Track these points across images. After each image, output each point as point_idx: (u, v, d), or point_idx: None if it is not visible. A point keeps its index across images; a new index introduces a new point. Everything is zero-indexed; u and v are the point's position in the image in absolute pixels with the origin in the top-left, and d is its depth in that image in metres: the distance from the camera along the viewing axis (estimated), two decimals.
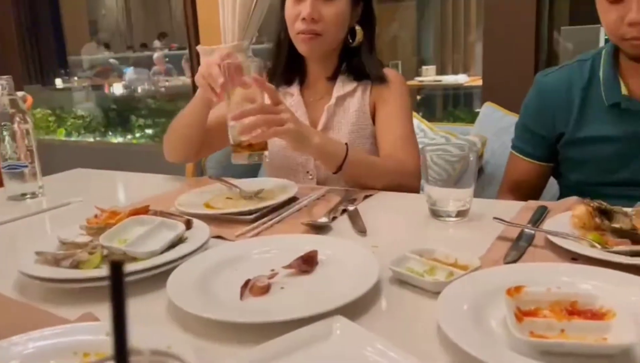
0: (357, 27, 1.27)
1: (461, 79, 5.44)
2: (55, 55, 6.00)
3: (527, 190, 1.25)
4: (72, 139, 4.20)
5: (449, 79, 5.58)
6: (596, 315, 0.55)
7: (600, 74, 1.13)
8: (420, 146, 1.35)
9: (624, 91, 1.08)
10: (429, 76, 5.41)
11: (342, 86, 1.29)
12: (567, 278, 0.66)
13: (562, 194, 1.25)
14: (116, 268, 0.22)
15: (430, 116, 5.64)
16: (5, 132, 1.14)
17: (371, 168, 1.17)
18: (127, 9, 11.63)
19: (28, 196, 1.19)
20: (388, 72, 1.31)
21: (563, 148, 1.19)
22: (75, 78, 6.74)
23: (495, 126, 1.74)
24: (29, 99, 1.11)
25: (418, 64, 6.24)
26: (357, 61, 1.28)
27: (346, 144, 1.13)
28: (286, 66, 1.32)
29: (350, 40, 1.27)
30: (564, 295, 0.58)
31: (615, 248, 0.73)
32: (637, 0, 0.99)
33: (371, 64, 1.28)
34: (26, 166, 1.17)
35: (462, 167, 0.96)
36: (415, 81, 5.42)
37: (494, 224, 0.87)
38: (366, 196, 1.10)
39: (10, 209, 1.13)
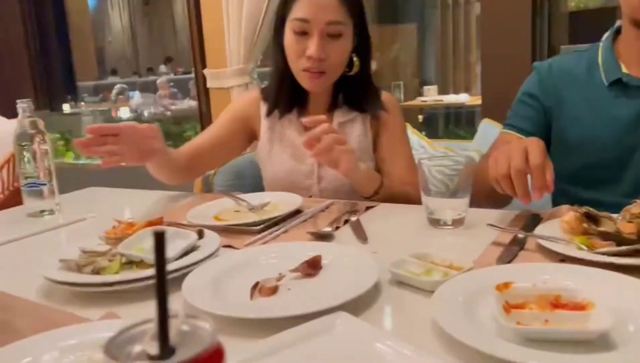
0: (355, 57, 1.28)
1: (462, 98, 5.51)
2: (64, 81, 6.12)
3: None
4: (81, 162, 4.29)
5: (450, 98, 5.66)
6: (577, 307, 0.60)
7: (599, 59, 1.16)
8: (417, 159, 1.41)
9: (624, 69, 1.12)
10: (430, 95, 5.49)
11: (343, 115, 1.33)
12: (553, 276, 0.71)
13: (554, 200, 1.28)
14: (159, 236, 0.28)
15: (432, 134, 5.71)
16: (25, 152, 1.20)
17: (398, 193, 1.23)
18: (133, 34, 11.85)
19: (46, 212, 1.25)
20: (385, 97, 1.35)
21: (560, 130, 1.20)
22: (82, 103, 6.86)
23: (493, 141, 1.80)
24: (41, 123, 1.19)
25: (420, 84, 6.34)
26: (353, 94, 1.31)
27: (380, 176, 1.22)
28: (288, 96, 1.33)
29: (347, 69, 1.29)
30: (549, 290, 0.63)
31: (600, 249, 0.78)
32: None
33: (368, 95, 1.31)
34: (45, 185, 1.23)
35: (459, 180, 1.01)
36: (418, 101, 5.51)
37: (488, 232, 0.93)
38: (368, 208, 1.15)
39: (29, 225, 1.19)
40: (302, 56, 1.22)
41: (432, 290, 0.69)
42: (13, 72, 4.17)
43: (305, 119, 1.14)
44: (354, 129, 1.33)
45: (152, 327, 0.29)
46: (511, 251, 0.84)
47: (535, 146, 0.91)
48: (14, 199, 2.73)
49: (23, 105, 1.19)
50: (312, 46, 1.20)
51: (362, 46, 1.30)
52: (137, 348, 0.29)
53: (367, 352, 0.57)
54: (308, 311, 0.63)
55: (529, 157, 0.90)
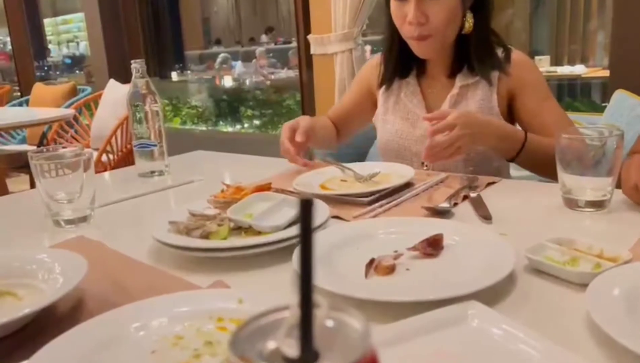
0: (468, 14, 1.18)
1: (578, 70, 5.07)
2: (173, 50, 6.37)
3: None
4: (187, 127, 4.46)
5: (565, 70, 5.22)
6: None
7: None
8: None
9: None
10: (542, 67, 5.09)
11: (465, 78, 1.23)
12: None
13: None
14: (306, 204, 0.21)
15: None
16: (138, 113, 1.21)
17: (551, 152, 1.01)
18: (237, 5, 12.11)
19: (156, 173, 1.26)
20: (515, 56, 1.22)
21: None
22: (189, 72, 7.14)
23: (629, 115, 1.59)
24: (152, 84, 1.23)
25: (530, 54, 5.90)
26: (471, 56, 1.20)
27: (525, 131, 1.10)
28: (400, 61, 1.29)
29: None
30: None
31: None
32: None
33: (486, 56, 1.19)
34: (155, 146, 1.24)
35: (597, 154, 0.87)
36: None
37: (636, 217, 0.79)
38: (489, 184, 1.04)
39: (140, 185, 1.21)
40: (404, 22, 1.17)
41: (582, 283, 0.59)
42: (128, 41, 4.40)
43: (425, 116, 1.10)
44: (476, 93, 1.22)
45: (287, 318, 0.23)
46: None
47: None
48: (125, 159, 2.89)
49: (136, 65, 1.20)
50: (410, 11, 1.14)
51: (478, 3, 1.19)
52: (269, 344, 0.23)
53: (508, 350, 0.49)
54: (435, 297, 0.55)
55: None
